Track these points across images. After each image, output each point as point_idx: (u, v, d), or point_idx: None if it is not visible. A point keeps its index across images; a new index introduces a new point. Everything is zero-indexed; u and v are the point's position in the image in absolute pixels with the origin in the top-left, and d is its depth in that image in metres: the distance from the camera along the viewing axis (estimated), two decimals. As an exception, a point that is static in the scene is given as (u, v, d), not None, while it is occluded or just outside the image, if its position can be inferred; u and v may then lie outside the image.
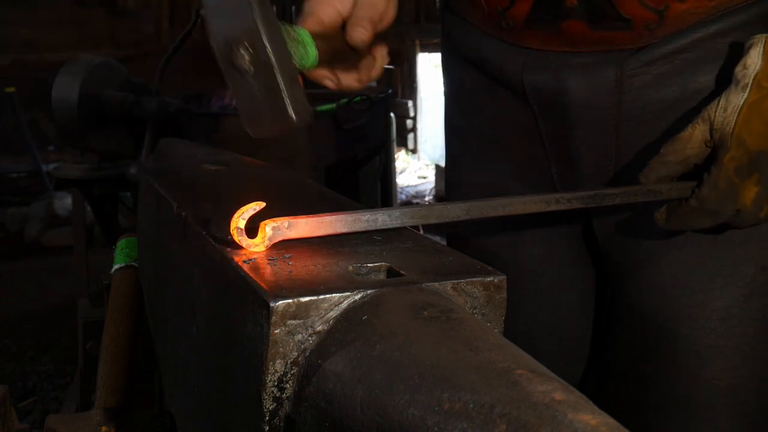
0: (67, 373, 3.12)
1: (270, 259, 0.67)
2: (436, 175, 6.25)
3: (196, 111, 2.65)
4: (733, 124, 0.87)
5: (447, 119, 1.25)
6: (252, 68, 0.70)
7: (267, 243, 0.67)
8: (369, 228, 0.72)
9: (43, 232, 5.16)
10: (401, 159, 6.87)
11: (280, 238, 0.68)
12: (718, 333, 0.99)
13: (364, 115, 2.97)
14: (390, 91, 3.44)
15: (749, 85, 0.86)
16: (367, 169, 3.42)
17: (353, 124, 2.92)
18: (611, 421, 0.43)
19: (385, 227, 0.72)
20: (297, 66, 0.79)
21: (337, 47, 0.89)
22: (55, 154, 6.51)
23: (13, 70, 6.94)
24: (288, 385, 0.60)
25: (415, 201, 6.02)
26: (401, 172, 6.61)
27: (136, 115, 2.44)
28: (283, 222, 0.68)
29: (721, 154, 0.88)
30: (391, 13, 0.97)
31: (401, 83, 7.39)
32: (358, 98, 2.91)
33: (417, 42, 7.25)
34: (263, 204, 0.66)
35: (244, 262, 0.66)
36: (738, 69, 0.88)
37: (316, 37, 0.85)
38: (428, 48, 7.24)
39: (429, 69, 7.39)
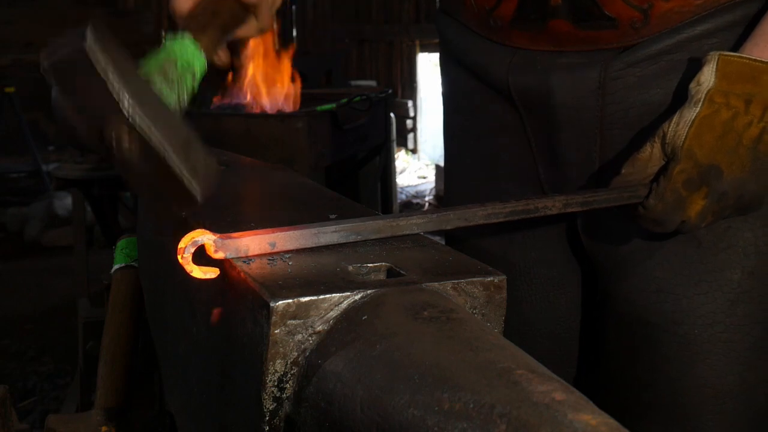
0: (67, 373, 3.11)
1: (270, 259, 0.67)
2: (436, 175, 6.25)
3: (196, 111, 2.65)
4: (684, 137, 0.87)
5: (444, 119, 1.26)
6: (137, 158, 0.59)
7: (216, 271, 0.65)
8: (314, 244, 0.69)
9: (43, 232, 5.15)
10: (401, 159, 6.87)
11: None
12: (702, 339, 0.98)
13: (364, 115, 2.97)
14: (390, 91, 3.44)
15: (701, 101, 0.86)
16: (367, 169, 3.42)
17: (353, 124, 2.92)
18: (611, 421, 0.44)
19: (332, 243, 0.70)
20: (188, 98, 0.69)
21: (224, 21, 0.77)
22: (55, 154, 6.50)
23: (13, 70, 6.93)
24: (288, 385, 0.60)
25: (415, 201, 6.02)
26: (401, 172, 6.61)
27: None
28: (227, 241, 0.65)
29: (672, 166, 0.88)
30: None
31: (401, 83, 7.38)
32: (358, 98, 2.91)
33: (417, 42, 7.25)
34: (208, 234, 0.64)
35: (244, 262, 0.66)
36: (692, 85, 0.88)
37: (197, 30, 0.74)
38: (428, 48, 7.23)
39: (429, 69, 7.39)
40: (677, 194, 0.89)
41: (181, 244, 0.63)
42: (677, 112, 0.88)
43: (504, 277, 0.66)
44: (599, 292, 1.10)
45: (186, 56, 0.70)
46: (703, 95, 0.86)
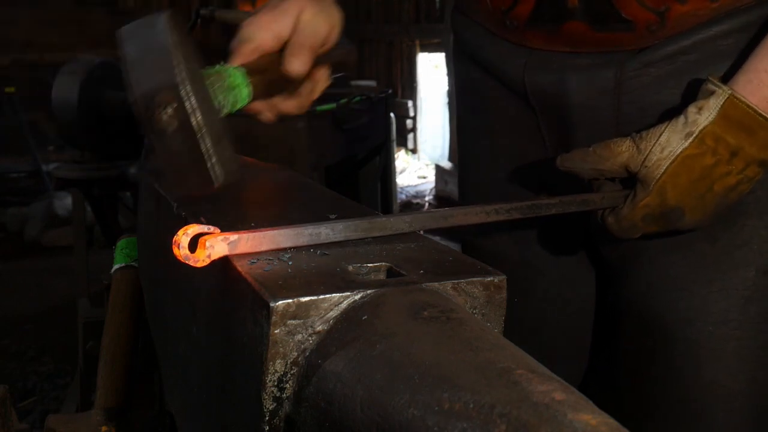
0: (67, 373, 3.12)
1: (269, 260, 0.67)
2: (436, 175, 6.25)
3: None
4: (662, 170, 0.86)
5: (457, 117, 1.27)
6: (174, 128, 0.66)
7: (207, 260, 0.64)
8: (312, 242, 0.69)
9: (43, 232, 5.15)
10: (401, 159, 6.87)
11: (223, 254, 0.65)
12: (716, 336, 0.99)
13: (364, 115, 2.97)
14: (390, 91, 3.44)
15: (694, 136, 0.85)
16: (367, 169, 3.42)
17: (353, 124, 2.92)
18: (611, 421, 0.44)
19: (329, 241, 0.70)
20: (226, 112, 0.77)
21: (274, 78, 0.87)
22: (55, 154, 6.49)
23: (13, 70, 6.93)
24: (288, 385, 0.60)
25: (415, 201, 6.02)
26: (401, 172, 6.61)
27: (136, 115, 2.44)
28: (224, 238, 0.64)
29: (640, 195, 0.88)
30: (333, 37, 0.94)
31: (401, 83, 7.39)
32: (358, 98, 2.91)
33: (417, 42, 7.25)
34: (214, 229, 0.64)
35: (245, 262, 0.66)
36: (692, 109, 0.87)
37: (252, 70, 0.82)
38: (428, 48, 7.23)
39: (429, 69, 7.39)
40: (634, 225, 0.90)
41: (177, 237, 0.64)
42: (666, 131, 0.87)
43: (504, 277, 0.66)
44: (612, 289, 1.11)
45: (235, 80, 0.77)
46: (698, 130, 0.85)
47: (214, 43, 7.80)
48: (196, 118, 0.65)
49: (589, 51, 0.99)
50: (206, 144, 0.66)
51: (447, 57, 6.13)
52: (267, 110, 0.92)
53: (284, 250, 0.70)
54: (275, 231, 0.68)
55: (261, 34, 0.87)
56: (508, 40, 1.06)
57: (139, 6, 7.91)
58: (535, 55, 1.03)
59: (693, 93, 0.90)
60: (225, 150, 0.69)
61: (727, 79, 0.94)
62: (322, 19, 0.91)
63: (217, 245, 0.64)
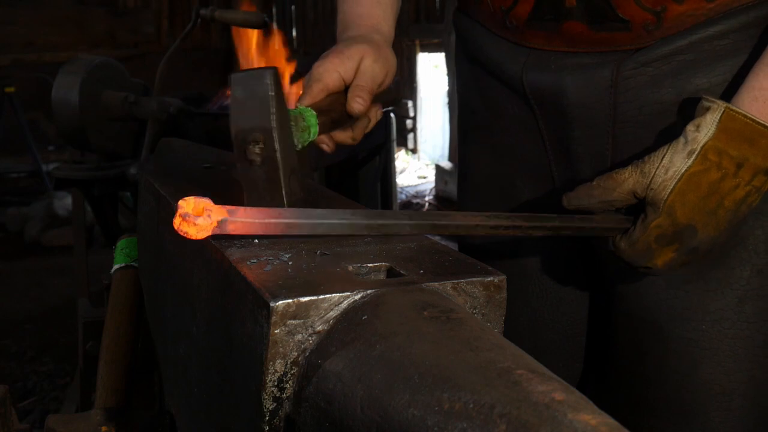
0: (67, 373, 3.12)
1: (269, 260, 0.67)
2: (436, 175, 6.24)
3: (196, 111, 2.65)
4: (669, 191, 0.87)
5: (459, 115, 1.27)
6: (260, 162, 0.78)
7: (207, 230, 0.68)
8: (310, 231, 0.73)
9: (43, 232, 5.16)
10: (401, 159, 6.87)
11: (222, 224, 0.68)
12: (711, 335, 0.99)
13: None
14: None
15: (696, 153, 0.86)
16: (367, 169, 3.41)
17: (353, 124, 2.91)
18: (611, 421, 0.44)
19: (327, 233, 0.74)
20: (299, 148, 0.90)
21: (335, 116, 0.99)
22: (55, 154, 6.51)
23: (13, 70, 6.94)
24: (288, 385, 0.60)
25: (415, 201, 6.02)
26: (401, 172, 6.61)
27: (136, 115, 2.44)
28: (226, 210, 0.68)
29: (650, 217, 0.89)
30: (388, 80, 1.06)
31: (401, 83, 7.38)
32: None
33: (417, 42, 7.25)
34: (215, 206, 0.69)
35: (245, 262, 0.66)
36: (690, 128, 0.87)
37: (321, 111, 0.95)
38: (428, 48, 7.23)
39: (429, 69, 7.39)
40: (648, 246, 0.90)
41: (180, 209, 0.67)
42: (668, 153, 0.87)
43: (504, 276, 0.66)
44: (607, 289, 1.11)
45: (309, 121, 0.92)
46: (699, 147, 0.86)
47: (214, 43, 7.81)
48: (278, 157, 0.79)
49: (587, 50, 0.99)
50: (281, 177, 0.80)
51: (447, 57, 6.13)
52: (328, 141, 1.03)
53: (283, 249, 0.70)
54: (274, 211, 0.71)
55: (328, 75, 0.99)
56: (509, 40, 1.07)
57: (139, 6, 7.92)
58: (534, 55, 1.04)
59: (690, 112, 0.90)
60: (294, 181, 0.83)
61: (725, 84, 0.94)
62: (380, 65, 1.03)
63: (216, 213, 0.68)
